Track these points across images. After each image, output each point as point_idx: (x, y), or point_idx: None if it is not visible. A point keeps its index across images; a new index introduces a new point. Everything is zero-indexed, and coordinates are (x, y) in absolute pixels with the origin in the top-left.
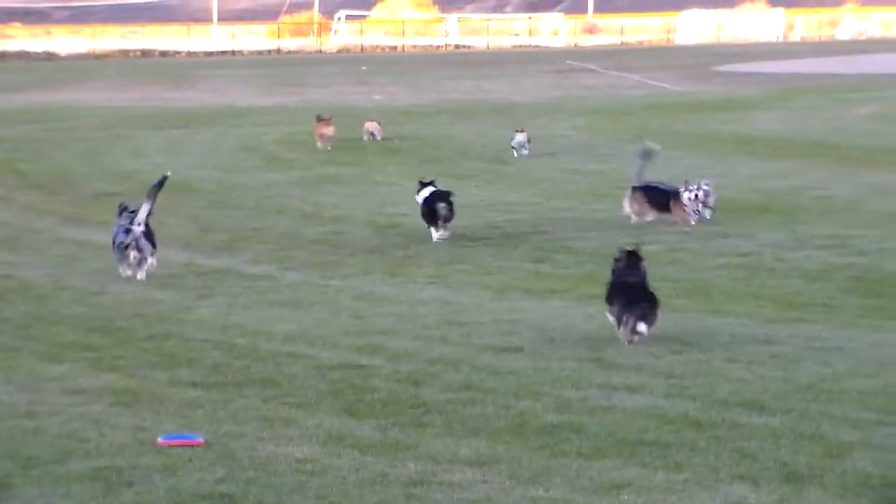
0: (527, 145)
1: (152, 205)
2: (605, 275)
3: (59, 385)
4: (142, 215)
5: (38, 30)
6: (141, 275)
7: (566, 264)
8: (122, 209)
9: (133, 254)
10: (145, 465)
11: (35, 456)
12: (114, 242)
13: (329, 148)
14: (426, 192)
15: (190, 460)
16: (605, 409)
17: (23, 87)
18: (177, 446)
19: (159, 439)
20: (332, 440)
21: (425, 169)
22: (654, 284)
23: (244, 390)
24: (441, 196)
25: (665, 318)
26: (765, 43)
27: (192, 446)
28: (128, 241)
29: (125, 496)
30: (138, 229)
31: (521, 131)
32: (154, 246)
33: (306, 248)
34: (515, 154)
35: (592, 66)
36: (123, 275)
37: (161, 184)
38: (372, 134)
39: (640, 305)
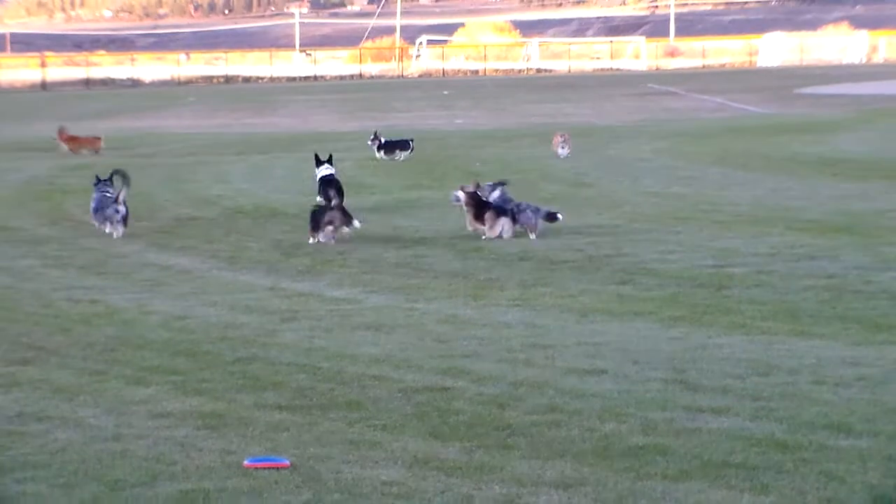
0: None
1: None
2: (690, 297)
3: (145, 408)
4: (122, 196)
5: (123, 57)
6: (118, 234)
7: (649, 286)
8: (98, 181)
9: (112, 225)
10: (232, 487)
11: (122, 479)
12: (96, 209)
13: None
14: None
15: (276, 483)
16: (691, 431)
17: (107, 114)
18: (263, 469)
19: (245, 462)
20: (418, 463)
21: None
22: (741, 307)
23: (329, 413)
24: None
25: (751, 341)
26: (848, 65)
27: (278, 469)
28: (118, 217)
29: None
30: (123, 209)
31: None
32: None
33: (389, 272)
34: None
35: (674, 89)
36: (104, 232)
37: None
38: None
39: None
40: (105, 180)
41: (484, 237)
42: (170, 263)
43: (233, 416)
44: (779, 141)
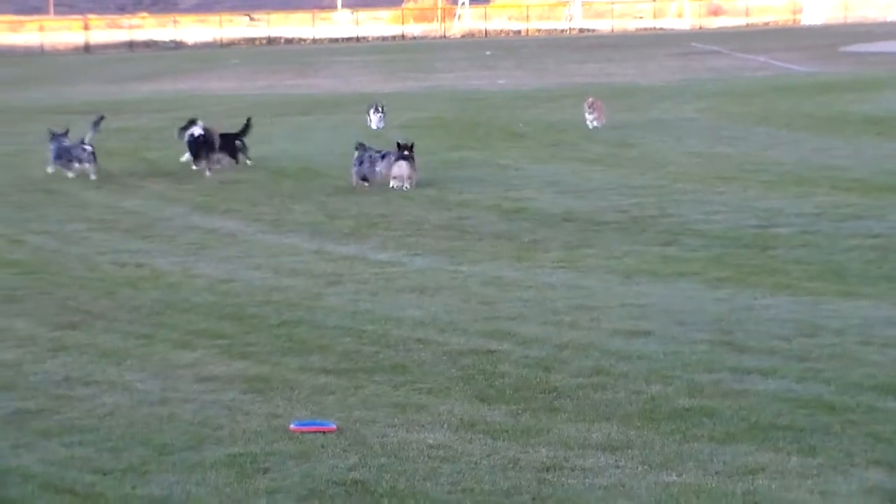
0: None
1: (95, 132)
2: (735, 258)
3: (191, 372)
4: (89, 137)
5: (166, 19)
6: (92, 173)
7: (693, 247)
8: (53, 134)
9: (78, 165)
10: (279, 451)
11: (169, 443)
12: (58, 156)
13: None
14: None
15: (323, 447)
16: (738, 392)
17: (150, 77)
18: (309, 433)
19: (292, 425)
20: (464, 426)
21: (550, 153)
22: (787, 268)
23: (375, 376)
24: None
25: (797, 301)
26: (893, 22)
27: (324, 433)
28: (86, 155)
29: (259, 483)
30: (90, 147)
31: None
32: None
33: (433, 234)
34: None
35: (717, 48)
36: (68, 176)
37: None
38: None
39: None
40: (60, 134)
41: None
42: (214, 226)
43: (278, 380)
44: (823, 100)
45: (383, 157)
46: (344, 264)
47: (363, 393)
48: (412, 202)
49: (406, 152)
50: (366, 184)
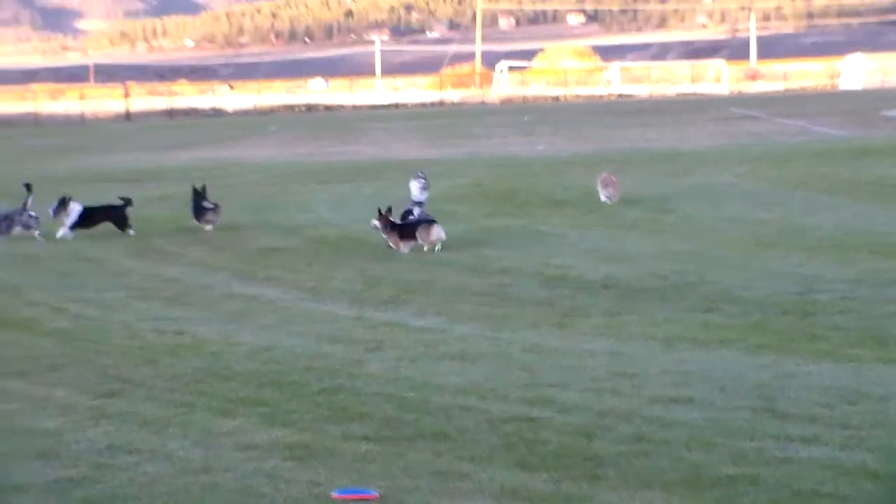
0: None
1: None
2: (775, 324)
3: (232, 440)
4: (30, 202)
5: (205, 86)
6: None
7: (734, 314)
8: None
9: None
10: None
11: None
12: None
13: None
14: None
15: None
16: (780, 460)
17: (190, 144)
18: (352, 501)
19: (334, 493)
20: (506, 494)
21: (589, 219)
22: (828, 334)
23: (416, 444)
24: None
25: (839, 368)
26: None
27: (366, 501)
28: (33, 222)
29: None
30: (33, 213)
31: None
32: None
33: (473, 301)
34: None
35: (756, 113)
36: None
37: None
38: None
39: None
40: None
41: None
42: (255, 294)
43: (320, 447)
44: (862, 165)
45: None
46: (384, 331)
47: (405, 460)
48: (452, 269)
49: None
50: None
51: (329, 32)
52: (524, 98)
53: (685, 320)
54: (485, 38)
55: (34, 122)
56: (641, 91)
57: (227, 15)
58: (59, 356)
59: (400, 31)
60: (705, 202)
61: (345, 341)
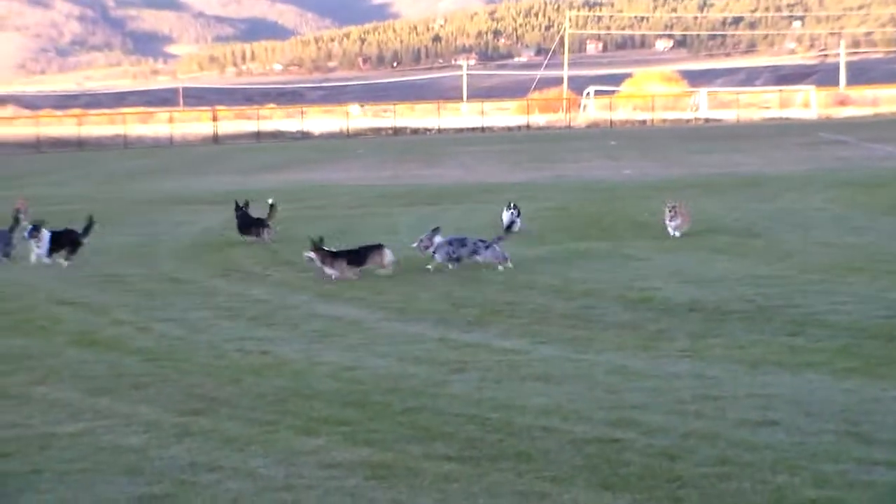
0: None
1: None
2: (862, 348)
3: (315, 458)
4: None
5: (293, 109)
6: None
7: (820, 338)
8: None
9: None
10: None
11: None
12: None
13: None
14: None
15: None
16: (865, 484)
17: (277, 167)
18: None
19: None
20: None
21: (675, 242)
22: None
23: (499, 464)
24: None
25: None
26: None
27: None
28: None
29: None
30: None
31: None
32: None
33: (558, 323)
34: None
35: (845, 138)
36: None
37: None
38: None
39: None
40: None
41: (334, 278)
42: (338, 314)
43: (402, 467)
44: None
45: (487, 246)
46: (468, 352)
47: (487, 481)
48: (537, 291)
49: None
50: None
51: (417, 57)
52: (610, 122)
53: (771, 343)
54: (572, 63)
55: (124, 145)
56: (729, 116)
57: (316, 39)
58: (144, 374)
59: (487, 55)
60: (792, 226)
61: (429, 362)
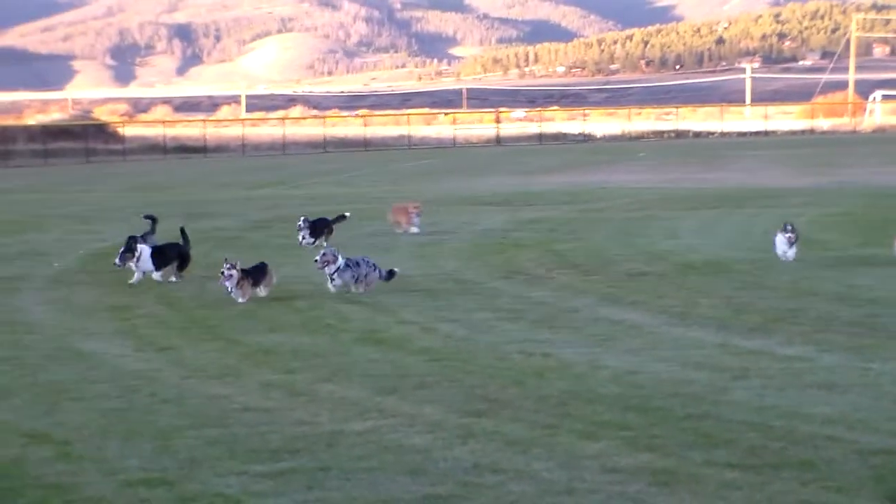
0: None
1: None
2: None
3: (597, 463)
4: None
5: (575, 112)
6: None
7: None
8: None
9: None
10: None
11: None
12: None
13: None
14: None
15: None
16: None
17: (559, 169)
18: None
19: None
20: None
21: None
22: None
23: (782, 473)
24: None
25: None
26: None
27: None
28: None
29: None
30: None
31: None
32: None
33: (842, 331)
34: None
35: None
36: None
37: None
38: None
39: None
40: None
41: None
42: (621, 318)
43: (684, 473)
44: None
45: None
46: (750, 359)
47: (770, 489)
48: (820, 298)
49: None
50: None
51: (700, 60)
52: None
53: None
54: (858, 67)
55: (408, 145)
56: None
57: (599, 42)
58: (428, 374)
59: (771, 58)
60: None
61: (710, 368)
